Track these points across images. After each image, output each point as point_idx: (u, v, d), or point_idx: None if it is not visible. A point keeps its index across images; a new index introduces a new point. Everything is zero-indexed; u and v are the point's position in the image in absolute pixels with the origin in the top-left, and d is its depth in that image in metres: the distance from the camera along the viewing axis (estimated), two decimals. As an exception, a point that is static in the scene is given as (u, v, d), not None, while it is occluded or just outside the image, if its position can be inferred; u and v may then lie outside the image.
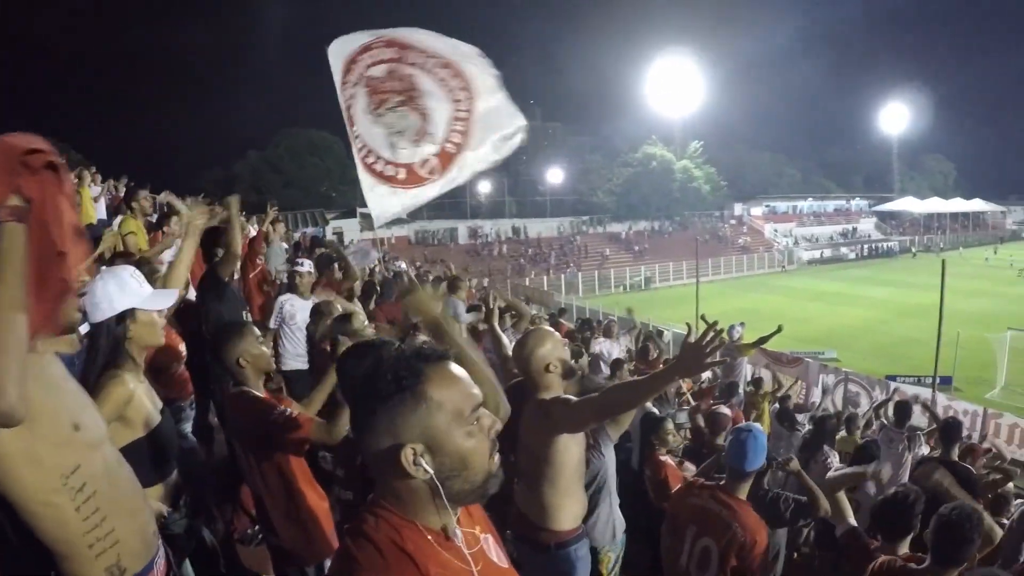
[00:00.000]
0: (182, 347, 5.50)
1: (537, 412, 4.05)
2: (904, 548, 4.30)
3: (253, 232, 12.40)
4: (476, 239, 69.41)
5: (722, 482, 4.53)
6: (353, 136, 6.56)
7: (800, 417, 11.36)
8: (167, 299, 3.68)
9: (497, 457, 1.81)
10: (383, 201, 6.46)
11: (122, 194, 15.26)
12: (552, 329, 4.34)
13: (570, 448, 4.04)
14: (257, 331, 4.33)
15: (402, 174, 6.45)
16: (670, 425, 6.87)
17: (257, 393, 4.04)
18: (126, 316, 3.41)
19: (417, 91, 6.40)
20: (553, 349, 4.10)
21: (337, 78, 6.75)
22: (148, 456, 3.39)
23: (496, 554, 2.00)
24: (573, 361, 4.23)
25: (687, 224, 77.92)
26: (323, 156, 72.15)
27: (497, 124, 6.54)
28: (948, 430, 8.69)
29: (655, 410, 8.10)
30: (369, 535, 1.73)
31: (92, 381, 3.24)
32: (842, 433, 10.05)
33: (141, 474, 3.23)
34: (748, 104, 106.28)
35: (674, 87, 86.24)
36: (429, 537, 1.75)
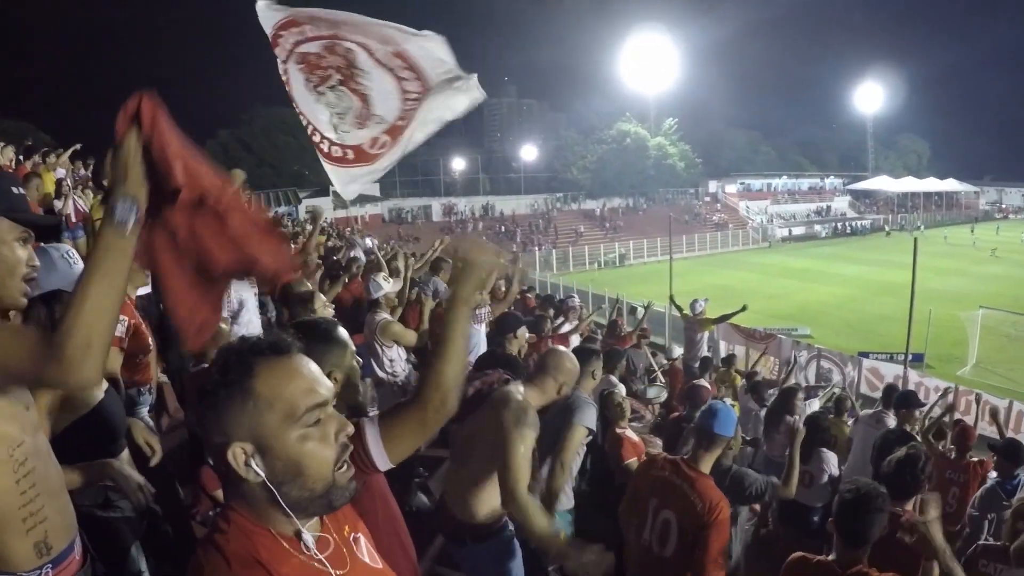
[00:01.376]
0: (150, 339, 5.41)
1: (501, 415, 3.92)
2: (910, 505, 4.38)
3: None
4: (450, 216, 69.17)
5: (686, 455, 4.51)
6: (299, 114, 6.47)
7: (771, 392, 11.39)
8: None
9: (346, 468, 1.68)
10: (343, 181, 6.43)
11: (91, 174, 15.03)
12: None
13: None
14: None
15: (351, 154, 6.45)
16: (619, 397, 6.98)
17: None
18: (53, 298, 3.28)
19: (356, 70, 6.25)
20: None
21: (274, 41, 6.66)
22: (93, 433, 3.32)
23: (368, 555, 1.91)
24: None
25: (661, 201, 77.93)
26: (295, 134, 71.51)
27: (446, 87, 6.49)
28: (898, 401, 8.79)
29: (616, 385, 8.15)
30: (219, 545, 1.60)
31: None
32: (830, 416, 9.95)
33: (88, 451, 3.22)
34: (723, 82, 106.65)
35: (649, 64, 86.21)
36: (284, 543, 1.64)
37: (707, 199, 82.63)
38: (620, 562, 4.67)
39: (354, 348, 2.99)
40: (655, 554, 4.36)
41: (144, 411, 5.34)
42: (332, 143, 6.35)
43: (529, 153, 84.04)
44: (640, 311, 25.97)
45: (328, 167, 6.42)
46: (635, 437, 6.69)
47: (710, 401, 4.70)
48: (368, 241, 15.92)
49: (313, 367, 1.69)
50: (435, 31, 6.35)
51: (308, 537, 1.66)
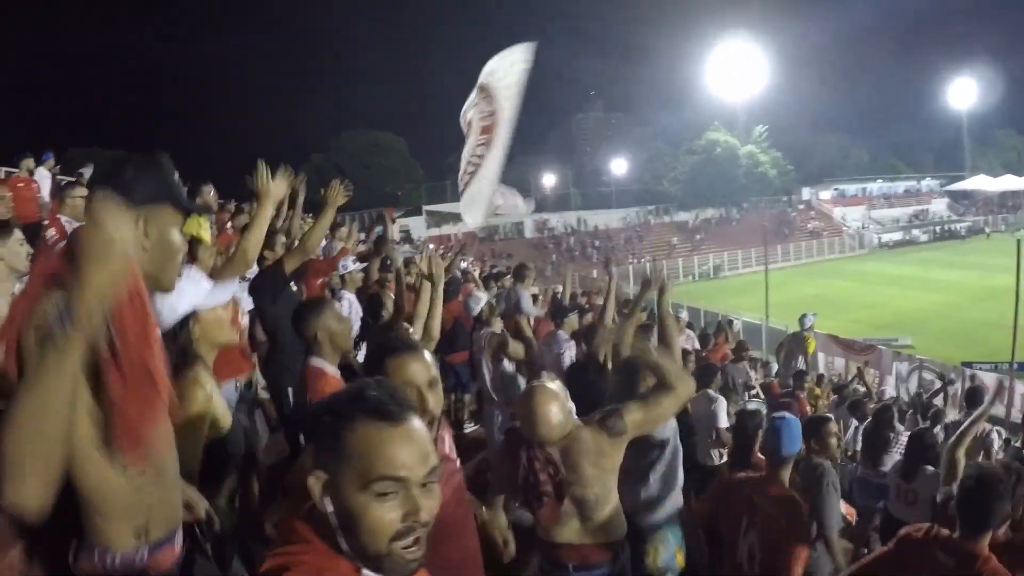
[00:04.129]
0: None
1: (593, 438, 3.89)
2: None
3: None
4: (543, 232, 69.36)
5: (764, 474, 4.65)
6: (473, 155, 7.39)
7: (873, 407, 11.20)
8: (225, 293, 3.62)
9: (412, 548, 1.68)
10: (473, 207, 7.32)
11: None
12: (551, 388, 3.93)
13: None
14: (338, 309, 4.55)
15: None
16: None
17: (329, 370, 4.17)
18: (189, 319, 3.38)
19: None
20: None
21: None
22: (214, 456, 3.38)
23: None
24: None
25: (754, 210, 77.00)
26: (386, 156, 72.93)
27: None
28: (971, 397, 9.00)
29: (716, 399, 8.15)
30: (291, 554, 1.72)
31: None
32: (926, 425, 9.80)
33: (204, 470, 3.30)
34: (812, 85, 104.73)
35: (736, 71, 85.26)
36: (348, 568, 1.70)
37: (801, 207, 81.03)
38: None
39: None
40: (744, 573, 4.47)
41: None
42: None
43: (619, 166, 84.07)
44: (737, 323, 25.96)
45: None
46: None
47: (772, 421, 4.66)
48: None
49: (415, 445, 1.70)
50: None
51: (367, 574, 1.70)
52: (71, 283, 1.82)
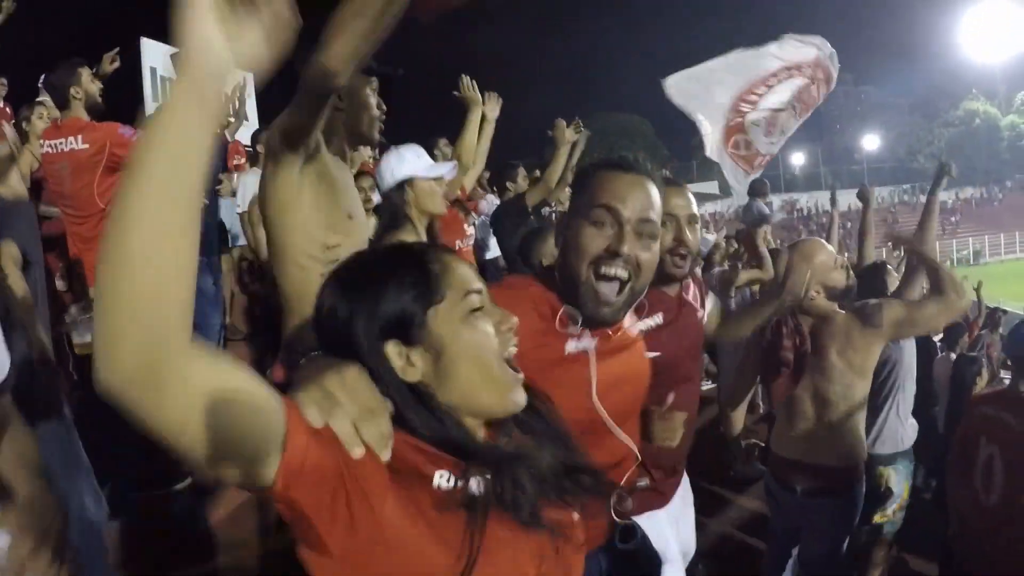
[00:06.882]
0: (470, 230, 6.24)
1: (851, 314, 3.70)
2: None
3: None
4: (792, 213, 68.05)
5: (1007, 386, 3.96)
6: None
7: None
8: (441, 168, 3.84)
9: (605, 274, 1.93)
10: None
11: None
12: (822, 243, 3.82)
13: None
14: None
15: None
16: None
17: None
18: (405, 184, 3.66)
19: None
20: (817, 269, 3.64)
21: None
22: None
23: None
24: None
25: (1019, 189, 71.05)
26: (633, 139, 73.37)
27: None
28: None
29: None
30: None
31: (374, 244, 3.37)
32: None
33: None
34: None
35: (994, 32, 79.58)
36: None
37: (1074, 182, 73.33)
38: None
39: None
40: (980, 503, 3.66)
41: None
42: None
43: (871, 142, 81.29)
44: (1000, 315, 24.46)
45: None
46: None
47: (1020, 326, 4.10)
48: (710, 237, 15.21)
49: (638, 193, 1.97)
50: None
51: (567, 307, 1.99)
52: None
